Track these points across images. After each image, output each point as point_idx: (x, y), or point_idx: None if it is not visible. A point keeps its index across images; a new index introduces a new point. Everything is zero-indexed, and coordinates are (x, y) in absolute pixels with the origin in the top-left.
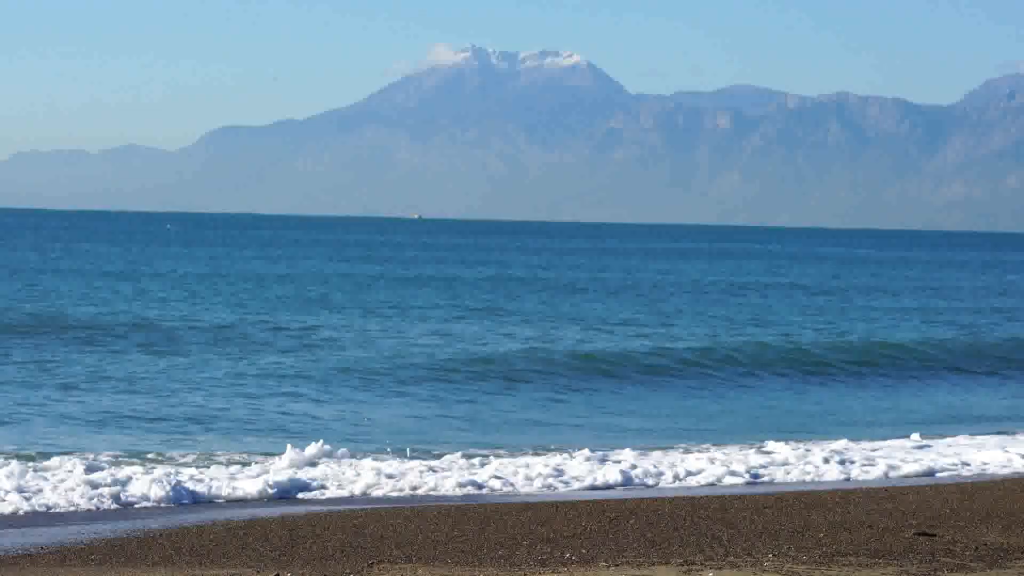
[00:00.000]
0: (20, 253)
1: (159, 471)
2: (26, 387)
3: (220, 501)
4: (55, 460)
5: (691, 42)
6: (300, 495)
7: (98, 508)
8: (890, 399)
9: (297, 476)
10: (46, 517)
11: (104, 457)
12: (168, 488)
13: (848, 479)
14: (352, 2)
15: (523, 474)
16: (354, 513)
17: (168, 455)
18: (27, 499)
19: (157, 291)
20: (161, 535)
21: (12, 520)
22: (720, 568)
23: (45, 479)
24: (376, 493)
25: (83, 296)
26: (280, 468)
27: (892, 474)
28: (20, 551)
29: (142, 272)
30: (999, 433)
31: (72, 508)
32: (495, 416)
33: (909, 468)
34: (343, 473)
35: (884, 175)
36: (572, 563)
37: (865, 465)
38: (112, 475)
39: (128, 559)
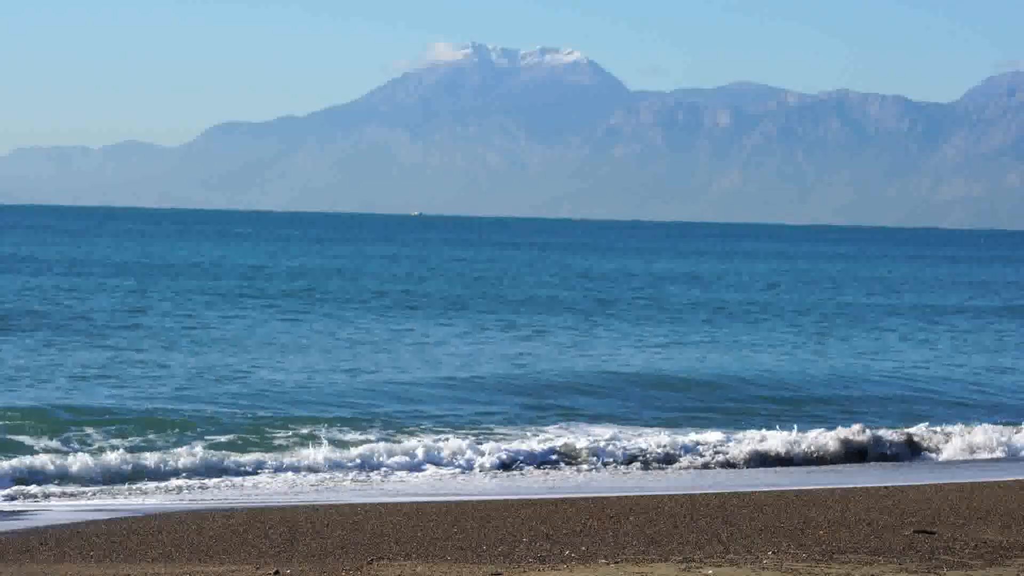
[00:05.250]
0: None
1: None
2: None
3: None
4: None
5: (691, 39)
6: None
7: None
8: None
9: None
10: None
11: None
12: None
13: None
14: None
15: None
16: (354, 509)
17: None
18: None
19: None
20: (161, 531)
21: None
22: (720, 565)
23: None
24: None
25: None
26: None
27: None
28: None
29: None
30: None
31: None
32: None
33: None
34: None
35: (884, 172)
36: (572, 560)
37: None
38: None
39: (128, 555)
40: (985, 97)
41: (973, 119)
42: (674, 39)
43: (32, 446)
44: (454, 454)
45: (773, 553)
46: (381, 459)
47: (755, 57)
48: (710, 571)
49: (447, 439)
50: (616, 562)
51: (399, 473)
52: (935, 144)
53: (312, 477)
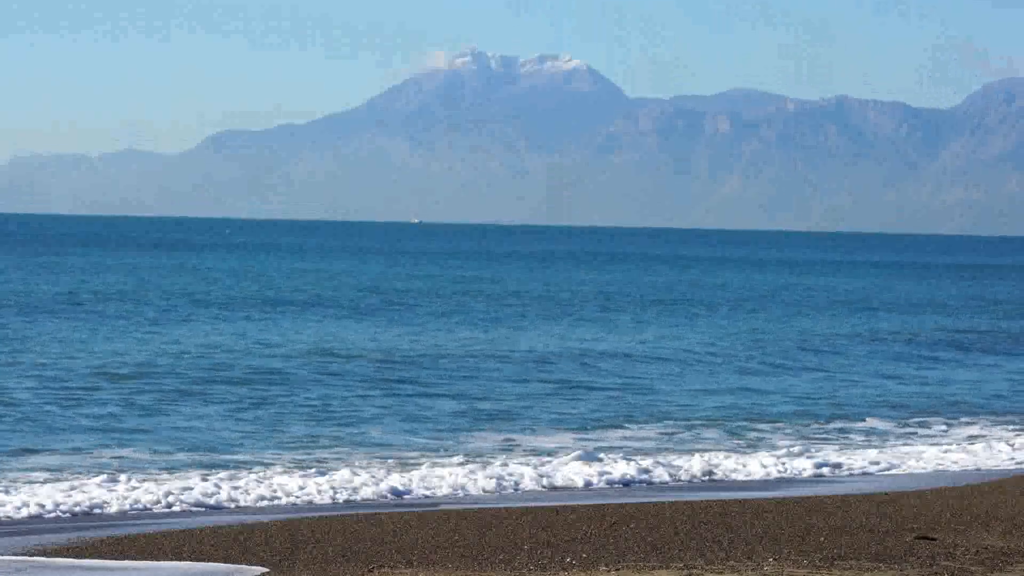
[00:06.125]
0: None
1: None
2: None
3: None
4: None
5: (691, 46)
6: None
7: None
8: None
9: None
10: None
11: None
12: None
13: None
14: (352, 7)
15: None
16: (355, 518)
17: None
18: None
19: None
20: (164, 537)
21: None
22: (721, 572)
23: None
24: None
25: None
26: None
27: None
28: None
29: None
30: None
31: None
32: None
33: None
34: None
35: (883, 179)
36: (573, 567)
37: None
38: None
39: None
40: (984, 103)
41: (972, 125)
42: (673, 46)
43: None
44: None
45: (774, 559)
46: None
47: (754, 64)
48: None
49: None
50: (617, 569)
51: None
52: (934, 150)
53: None
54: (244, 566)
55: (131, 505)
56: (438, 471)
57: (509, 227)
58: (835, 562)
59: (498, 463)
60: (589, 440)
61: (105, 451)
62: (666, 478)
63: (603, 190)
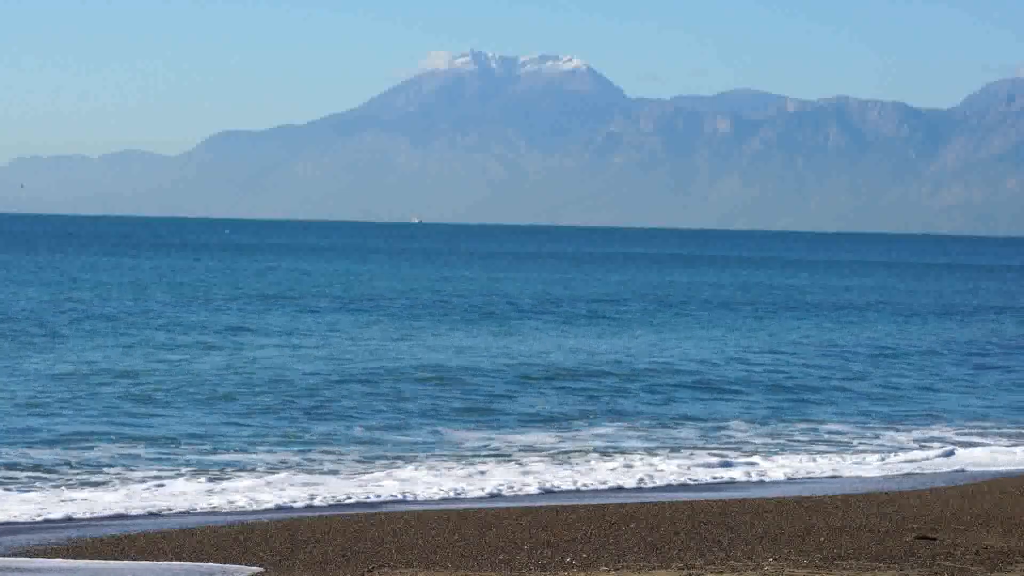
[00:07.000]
0: None
1: None
2: None
3: None
4: None
5: (691, 46)
6: None
7: None
8: None
9: None
10: None
11: None
12: None
13: None
14: (352, 7)
15: None
16: (355, 518)
17: None
18: None
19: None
20: (163, 538)
21: None
22: (721, 572)
23: None
24: None
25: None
26: None
27: None
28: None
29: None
30: None
31: None
32: None
33: None
34: None
35: (883, 179)
36: (573, 567)
37: None
38: None
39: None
40: (984, 103)
41: (972, 125)
42: (673, 45)
43: None
44: None
45: (774, 559)
46: None
47: (754, 63)
48: None
49: None
50: (617, 569)
51: None
52: (934, 150)
53: None
54: (242, 566)
55: (130, 505)
56: (429, 470)
57: (509, 227)
58: (835, 562)
59: (493, 463)
60: (573, 439)
61: (102, 451)
62: (656, 481)
63: (603, 191)
